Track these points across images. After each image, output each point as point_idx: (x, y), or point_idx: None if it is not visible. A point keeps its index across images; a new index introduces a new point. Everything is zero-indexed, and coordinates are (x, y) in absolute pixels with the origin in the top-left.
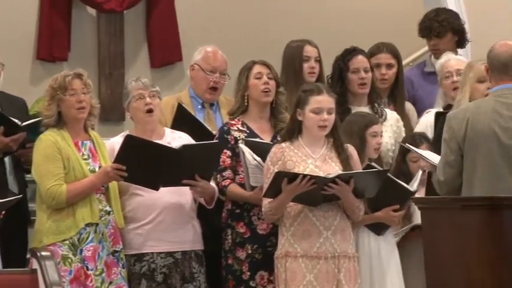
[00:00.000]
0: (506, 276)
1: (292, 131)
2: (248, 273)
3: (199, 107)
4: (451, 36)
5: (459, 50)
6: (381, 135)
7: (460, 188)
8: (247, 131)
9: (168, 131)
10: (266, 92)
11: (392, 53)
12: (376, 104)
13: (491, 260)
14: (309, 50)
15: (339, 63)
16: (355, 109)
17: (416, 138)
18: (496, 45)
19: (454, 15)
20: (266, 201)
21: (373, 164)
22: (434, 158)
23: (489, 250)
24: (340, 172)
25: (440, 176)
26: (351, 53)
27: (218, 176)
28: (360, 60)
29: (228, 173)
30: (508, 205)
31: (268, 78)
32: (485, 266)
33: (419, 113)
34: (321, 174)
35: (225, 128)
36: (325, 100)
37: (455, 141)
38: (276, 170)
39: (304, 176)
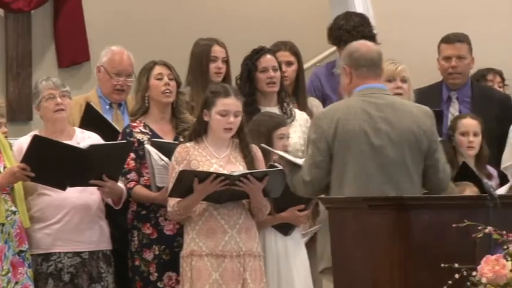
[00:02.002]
0: (413, 276)
1: (198, 131)
2: (156, 274)
3: (107, 107)
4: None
5: None
6: (288, 137)
7: (326, 188)
8: (150, 133)
9: (78, 131)
10: (167, 93)
11: (291, 51)
12: (285, 104)
13: (399, 259)
14: (216, 50)
15: (247, 63)
16: (265, 109)
17: None
18: (357, 46)
19: (363, 22)
20: (173, 201)
21: (276, 164)
22: (302, 160)
23: (396, 250)
24: (250, 171)
25: (306, 176)
26: (258, 52)
27: (123, 178)
28: (268, 60)
29: (132, 175)
30: (415, 205)
31: (169, 79)
32: (393, 265)
33: None
34: (225, 172)
35: (128, 130)
36: (232, 103)
37: (324, 141)
38: (181, 169)
39: (218, 175)
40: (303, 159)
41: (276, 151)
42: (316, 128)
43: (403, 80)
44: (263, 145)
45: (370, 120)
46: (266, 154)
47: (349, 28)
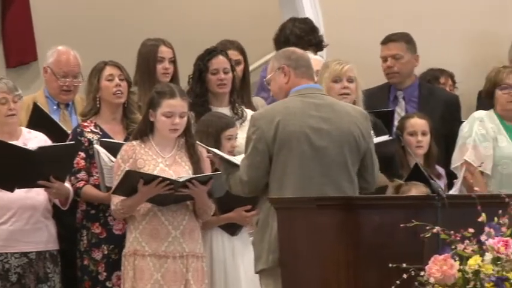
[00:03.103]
0: (361, 275)
1: (144, 131)
2: (104, 274)
3: (55, 107)
4: (307, 48)
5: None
6: (236, 138)
7: (265, 188)
8: (100, 133)
9: (24, 131)
10: (118, 94)
11: (239, 50)
12: (236, 104)
13: (347, 259)
14: (163, 51)
15: (199, 63)
16: (216, 109)
17: None
18: (292, 49)
19: (309, 29)
20: (117, 199)
21: None
22: (238, 158)
23: (344, 250)
24: (196, 175)
25: (243, 176)
26: (210, 53)
27: (72, 178)
28: (220, 61)
29: (82, 174)
30: (363, 205)
31: (120, 79)
32: (341, 265)
33: None
34: (171, 173)
35: (78, 130)
36: (177, 104)
37: (263, 142)
38: (127, 168)
39: (164, 179)
40: (239, 158)
41: (211, 149)
42: (255, 128)
43: (350, 80)
44: (198, 143)
45: (311, 120)
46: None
47: (295, 36)
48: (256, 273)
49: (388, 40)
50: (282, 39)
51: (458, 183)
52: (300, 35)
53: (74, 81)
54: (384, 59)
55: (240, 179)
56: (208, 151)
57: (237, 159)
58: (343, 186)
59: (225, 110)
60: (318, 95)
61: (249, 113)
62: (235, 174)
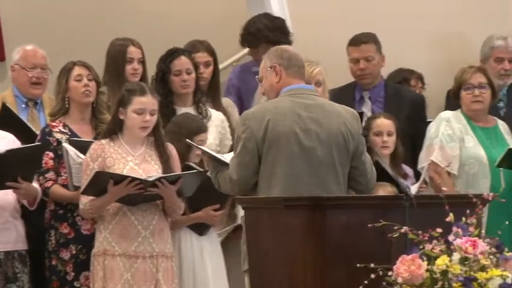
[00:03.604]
0: (329, 276)
1: (113, 130)
2: (72, 274)
3: (23, 106)
4: (266, 46)
5: None
6: (206, 143)
7: (254, 187)
8: (69, 133)
9: None
10: (86, 94)
11: (209, 51)
12: (200, 104)
13: (314, 259)
14: (132, 51)
15: (161, 65)
16: (180, 109)
17: None
18: (285, 48)
19: (271, 26)
20: (85, 199)
21: (191, 164)
22: (226, 156)
23: (311, 250)
24: (165, 175)
25: (233, 175)
26: (172, 54)
27: (41, 178)
28: (183, 62)
29: (50, 174)
30: (330, 205)
31: (88, 79)
32: (308, 265)
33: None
34: (141, 172)
35: (47, 129)
36: (148, 101)
37: (253, 141)
38: (96, 167)
39: (133, 179)
40: (227, 156)
41: (201, 147)
42: (245, 127)
43: (318, 84)
44: (188, 141)
45: (300, 120)
46: (184, 154)
47: (253, 31)
48: (244, 271)
49: (360, 42)
50: (244, 31)
51: (417, 183)
52: (259, 28)
53: (42, 73)
54: (356, 61)
55: (229, 177)
56: (198, 149)
57: (226, 158)
58: (331, 188)
59: (189, 110)
60: (309, 96)
61: (213, 113)
62: (225, 173)
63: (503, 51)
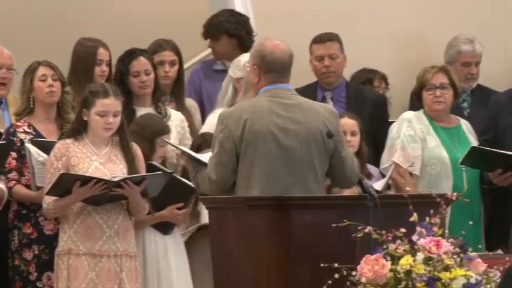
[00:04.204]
0: (292, 276)
1: (77, 130)
2: (35, 274)
3: None
4: (227, 40)
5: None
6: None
7: (232, 187)
8: (34, 133)
9: None
10: (51, 94)
11: (174, 50)
12: (160, 104)
13: (278, 259)
14: (102, 53)
15: (120, 66)
16: (140, 110)
17: (207, 138)
18: (271, 48)
19: (232, 20)
20: (49, 199)
21: (154, 163)
22: (205, 156)
23: (276, 250)
24: (130, 176)
25: (212, 174)
26: (131, 55)
27: (4, 178)
28: (141, 63)
29: (13, 174)
30: (294, 205)
31: (53, 80)
32: (272, 265)
33: (208, 110)
34: (106, 171)
35: (11, 129)
36: (111, 103)
37: (231, 140)
38: (60, 166)
39: (99, 180)
40: (207, 156)
41: (179, 147)
42: (223, 127)
43: None
44: (167, 140)
45: (278, 120)
46: (147, 154)
47: (216, 22)
48: None
49: (325, 39)
50: (206, 23)
51: (383, 179)
52: (221, 20)
53: (8, 73)
54: (320, 58)
55: (208, 177)
56: (177, 149)
57: (205, 157)
58: (310, 186)
59: (149, 110)
60: (287, 95)
61: (173, 112)
62: (203, 173)
63: (470, 55)
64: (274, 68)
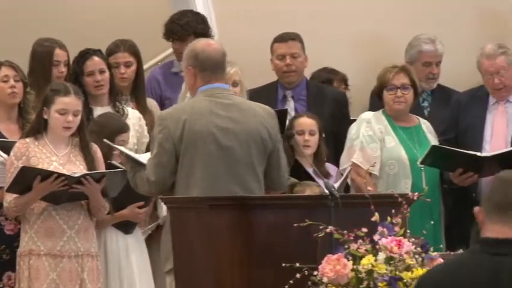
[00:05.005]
0: (255, 276)
1: (37, 129)
2: None
3: None
4: (194, 39)
5: None
6: (128, 143)
7: (171, 187)
8: None
9: None
10: (13, 95)
11: (130, 51)
12: (117, 103)
13: (240, 259)
14: (59, 54)
15: (74, 66)
16: (97, 109)
17: None
18: (203, 46)
19: (198, 19)
20: (10, 197)
21: (114, 163)
22: (144, 157)
23: (238, 249)
24: (90, 172)
25: (151, 175)
26: (84, 55)
27: None
28: (95, 62)
29: None
30: (256, 204)
31: (15, 80)
32: (234, 265)
33: None
34: (65, 172)
35: None
36: (71, 102)
37: (171, 141)
38: (21, 165)
39: (59, 175)
40: (145, 156)
41: (118, 147)
42: (162, 128)
43: (235, 84)
44: (106, 140)
45: (217, 120)
46: (106, 154)
47: (182, 23)
48: (166, 272)
49: (287, 38)
50: (170, 23)
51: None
52: (186, 21)
53: None
54: (282, 57)
55: (147, 178)
56: (115, 149)
57: (143, 158)
58: (251, 186)
59: (107, 109)
60: (225, 95)
61: (130, 111)
62: (142, 174)
63: (431, 55)
64: (207, 66)
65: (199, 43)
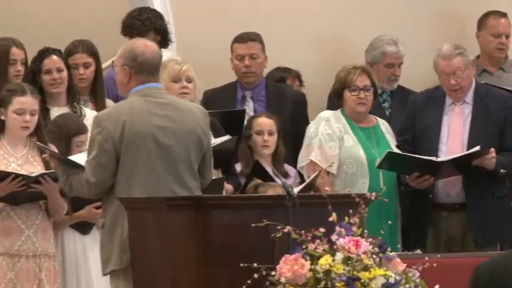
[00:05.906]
0: (212, 275)
1: None
2: None
3: None
4: (154, 36)
5: (164, 50)
6: (86, 144)
7: (111, 189)
8: None
9: None
10: None
11: (88, 52)
12: (75, 104)
13: (197, 259)
14: (15, 53)
15: (32, 65)
16: (54, 109)
17: None
18: (142, 48)
19: (157, 15)
20: None
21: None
22: (78, 158)
23: (195, 249)
24: (48, 171)
25: (90, 177)
26: (43, 54)
27: None
28: (53, 61)
29: None
30: (214, 204)
31: None
32: (191, 265)
33: None
34: (23, 172)
35: None
36: (28, 101)
37: (111, 142)
38: None
39: (17, 175)
40: (79, 157)
41: (48, 148)
42: (101, 129)
43: (188, 80)
44: (37, 142)
45: (156, 119)
46: (64, 153)
47: (142, 18)
48: (105, 274)
49: (247, 39)
50: (129, 17)
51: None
52: (146, 16)
53: None
54: (241, 58)
55: (86, 180)
56: (44, 151)
57: (78, 159)
58: (189, 184)
59: (64, 110)
60: (160, 94)
61: (87, 112)
62: (79, 176)
63: (394, 57)
64: (145, 69)
65: (138, 44)
